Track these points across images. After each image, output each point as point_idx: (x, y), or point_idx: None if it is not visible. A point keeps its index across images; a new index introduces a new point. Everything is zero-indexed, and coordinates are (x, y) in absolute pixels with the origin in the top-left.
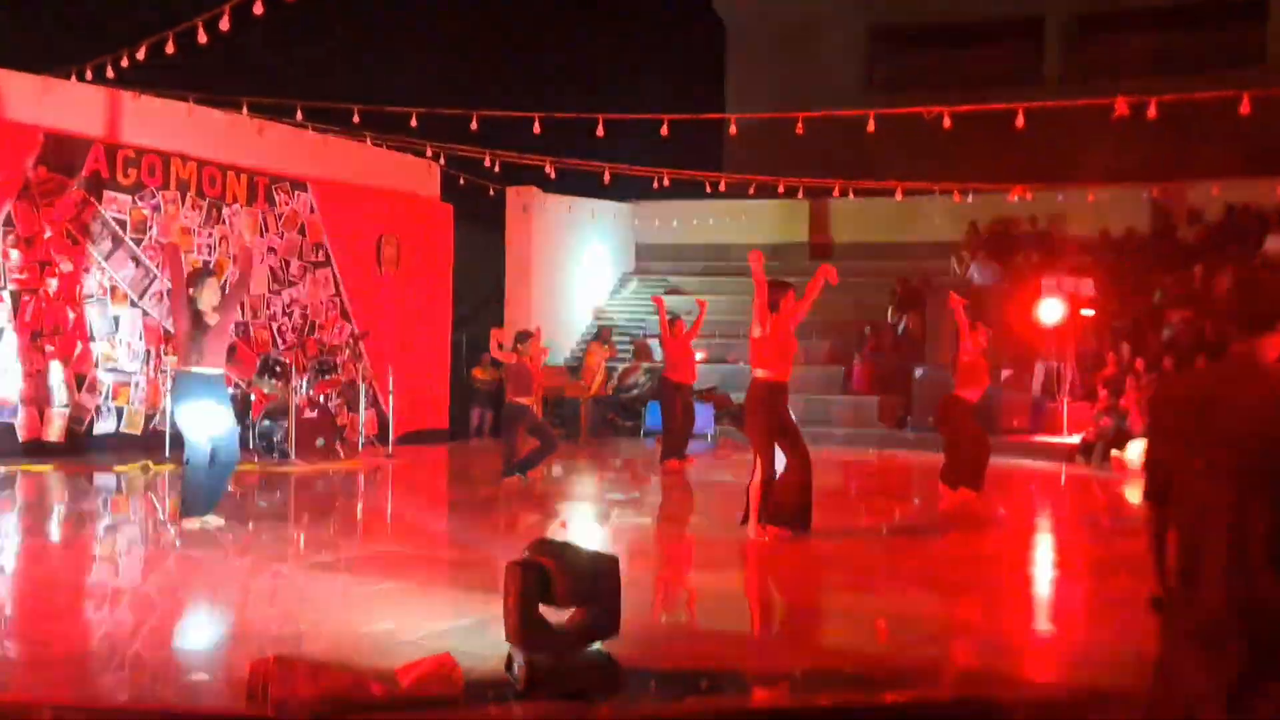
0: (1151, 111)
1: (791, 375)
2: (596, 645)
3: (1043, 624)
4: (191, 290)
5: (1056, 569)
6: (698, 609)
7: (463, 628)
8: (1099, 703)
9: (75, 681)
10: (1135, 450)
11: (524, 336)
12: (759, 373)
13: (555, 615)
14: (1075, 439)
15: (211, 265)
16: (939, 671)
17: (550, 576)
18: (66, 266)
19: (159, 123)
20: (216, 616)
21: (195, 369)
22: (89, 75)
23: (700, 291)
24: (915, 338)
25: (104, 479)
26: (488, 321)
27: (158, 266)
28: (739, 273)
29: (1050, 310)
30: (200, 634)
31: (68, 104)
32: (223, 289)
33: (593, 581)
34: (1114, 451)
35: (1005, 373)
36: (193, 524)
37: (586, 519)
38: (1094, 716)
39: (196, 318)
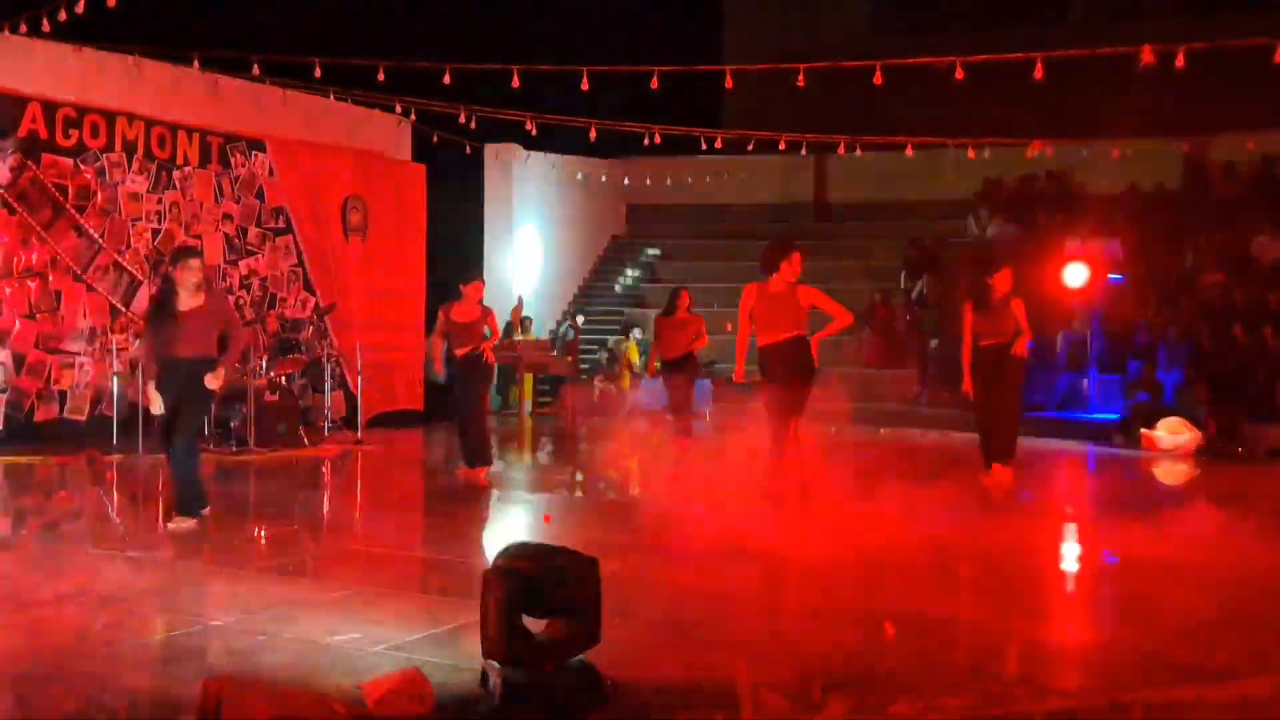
0: (1179, 61)
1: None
2: (578, 656)
3: (1069, 627)
4: (174, 270)
5: (1079, 562)
6: (690, 613)
7: (435, 637)
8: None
9: (6, 703)
10: (1169, 427)
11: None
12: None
13: (532, 624)
14: (1102, 415)
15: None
16: (957, 680)
17: (530, 583)
18: (2, 238)
19: (102, 78)
20: (163, 627)
21: (174, 355)
22: (23, 28)
23: (696, 255)
24: (932, 304)
25: (44, 471)
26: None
27: (102, 237)
28: (737, 234)
29: (1075, 274)
30: (145, 648)
31: (1, 59)
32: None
33: (573, 586)
34: (1144, 429)
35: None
36: (187, 524)
37: (570, 512)
38: None
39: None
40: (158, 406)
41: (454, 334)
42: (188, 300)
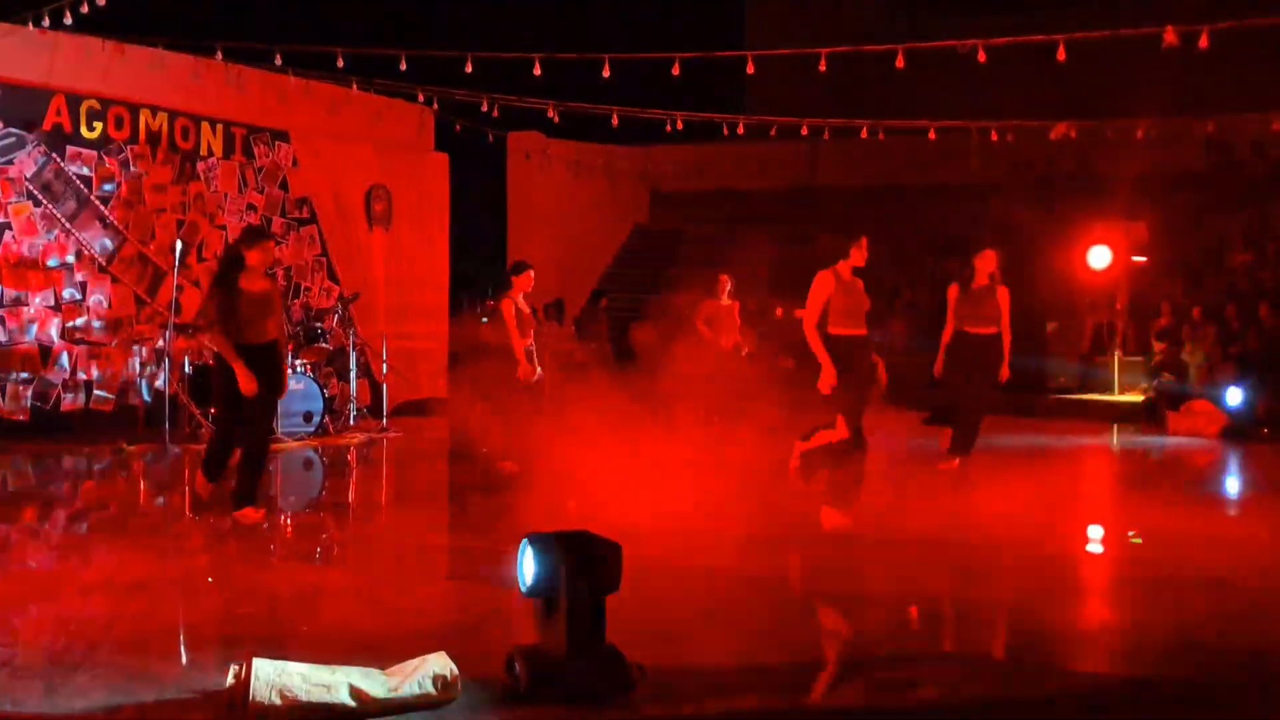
0: (1203, 40)
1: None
2: (607, 642)
3: (1087, 608)
4: (247, 251)
5: (1102, 544)
6: (717, 598)
7: (461, 624)
8: (1148, 694)
9: (36, 690)
10: (1195, 409)
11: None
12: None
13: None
14: (1127, 397)
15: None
16: (976, 664)
17: (563, 568)
18: (27, 230)
19: (125, 71)
20: (191, 616)
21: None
22: (46, 21)
23: (721, 240)
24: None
25: (72, 460)
26: (490, 280)
27: (126, 228)
28: (761, 219)
29: (1099, 257)
30: (173, 636)
31: (24, 51)
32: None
33: (599, 571)
34: (1170, 411)
35: (1050, 326)
36: (259, 514)
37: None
38: (1145, 711)
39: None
40: (254, 386)
41: (524, 326)
42: (256, 283)
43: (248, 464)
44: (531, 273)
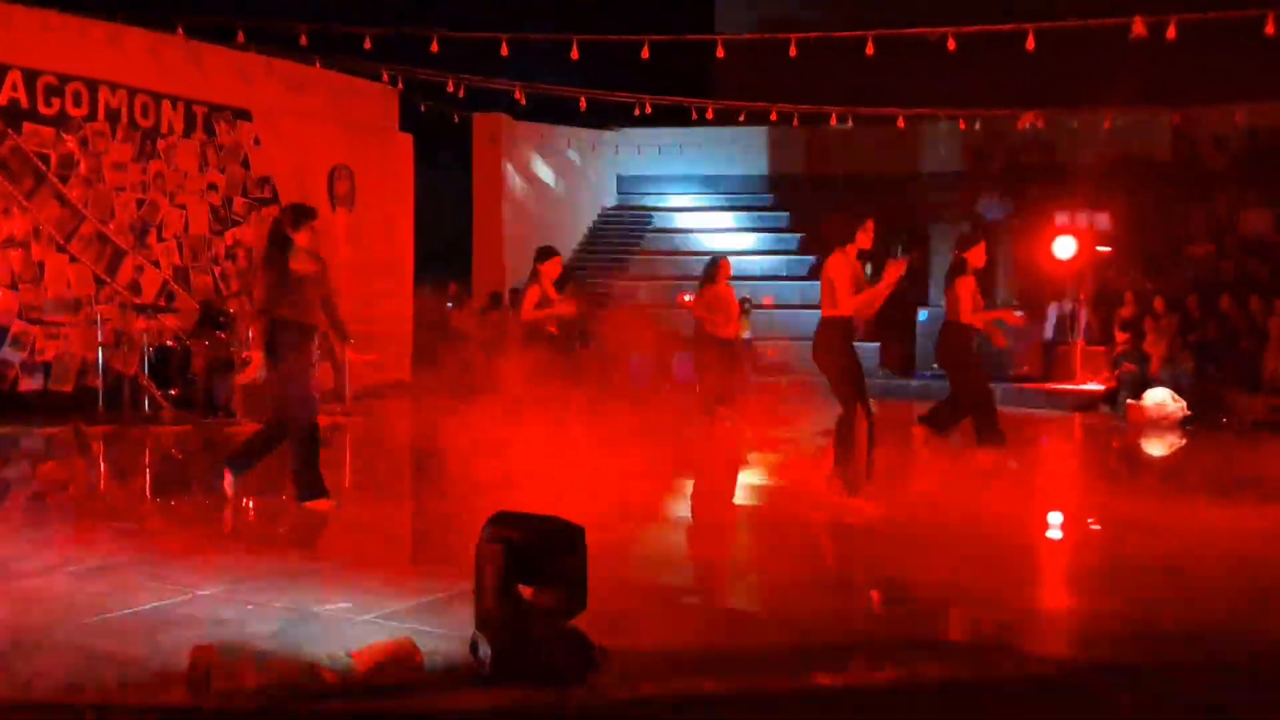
0: (1171, 32)
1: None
2: (569, 624)
3: (1049, 591)
4: (293, 230)
5: (1063, 530)
6: (680, 580)
7: (425, 605)
8: (1109, 677)
9: None
10: (1155, 398)
11: None
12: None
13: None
14: (1089, 386)
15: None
16: (938, 645)
17: (521, 551)
18: None
19: (84, 46)
20: (152, 597)
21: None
22: None
23: (688, 225)
24: (919, 277)
25: (30, 442)
26: (454, 263)
27: (85, 207)
28: (730, 207)
29: (1064, 246)
30: (134, 618)
31: None
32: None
33: (562, 554)
34: (1130, 400)
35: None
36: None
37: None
38: (1104, 693)
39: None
40: (263, 372)
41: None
42: (305, 263)
43: (302, 449)
44: (560, 259)
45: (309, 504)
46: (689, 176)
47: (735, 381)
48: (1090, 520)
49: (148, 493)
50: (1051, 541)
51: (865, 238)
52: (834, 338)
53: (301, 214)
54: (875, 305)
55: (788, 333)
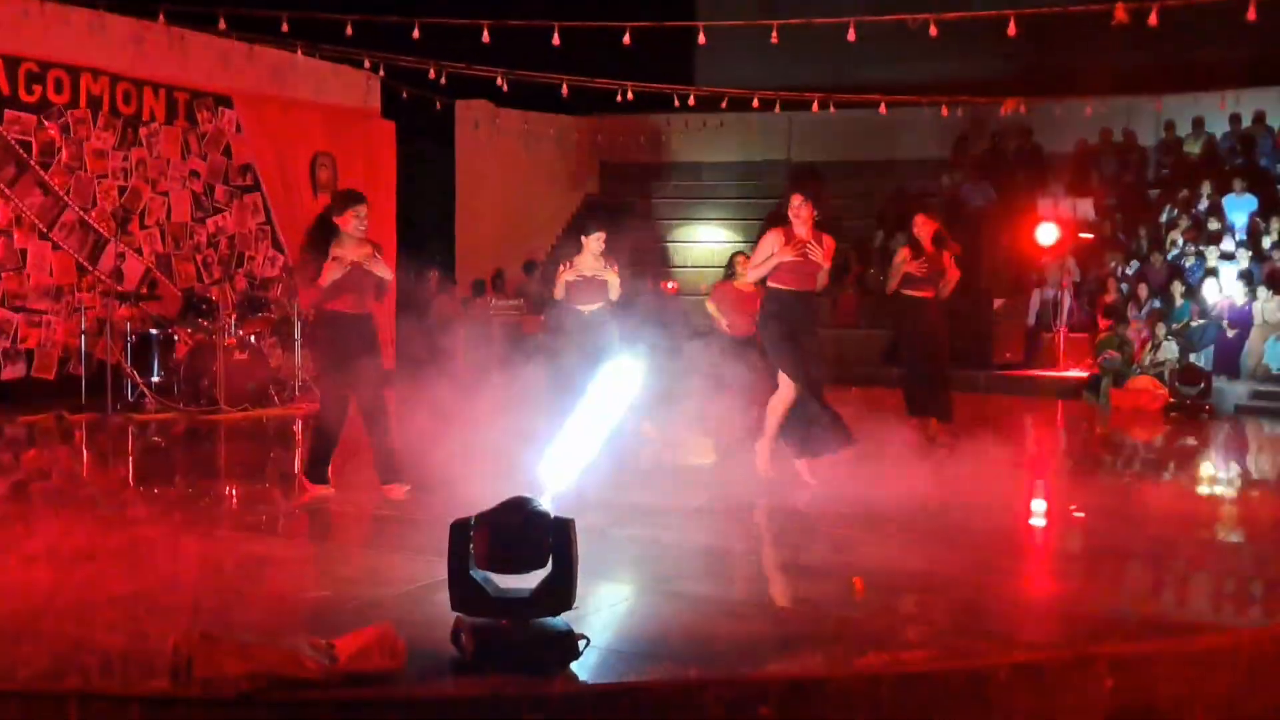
0: (1153, 19)
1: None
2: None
3: (1030, 579)
4: (340, 216)
5: (1044, 519)
6: (663, 569)
7: (408, 593)
8: (1091, 666)
9: None
10: (1138, 385)
11: None
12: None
13: (505, 582)
14: (1072, 373)
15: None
16: (918, 635)
17: (497, 538)
18: None
19: (65, 33)
20: (135, 585)
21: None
22: None
23: (672, 213)
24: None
25: (12, 430)
26: (437, 250)
27: (67, 194)
28: (713, 195)
29: (1047, 233)
30: (117, 606)
31: None
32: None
33: (546, 544)
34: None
35: (998, 302)
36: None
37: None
38: (1089, 681)
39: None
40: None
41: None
42: (354, 250)
43: (378, 437)
44: (591, 239)
45: (387, 488)
46: (672, 165)
47: (752, 382)
48: (1073, 507)
49: (130, 480)
50: (1033, 528)
51: (795, 217)
52: (764, 309)
53: (346, 199)
54: (763, 273)
55: None
